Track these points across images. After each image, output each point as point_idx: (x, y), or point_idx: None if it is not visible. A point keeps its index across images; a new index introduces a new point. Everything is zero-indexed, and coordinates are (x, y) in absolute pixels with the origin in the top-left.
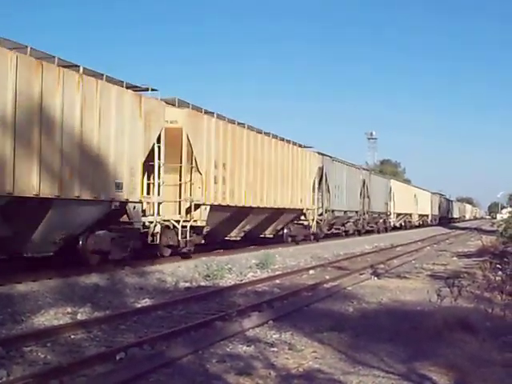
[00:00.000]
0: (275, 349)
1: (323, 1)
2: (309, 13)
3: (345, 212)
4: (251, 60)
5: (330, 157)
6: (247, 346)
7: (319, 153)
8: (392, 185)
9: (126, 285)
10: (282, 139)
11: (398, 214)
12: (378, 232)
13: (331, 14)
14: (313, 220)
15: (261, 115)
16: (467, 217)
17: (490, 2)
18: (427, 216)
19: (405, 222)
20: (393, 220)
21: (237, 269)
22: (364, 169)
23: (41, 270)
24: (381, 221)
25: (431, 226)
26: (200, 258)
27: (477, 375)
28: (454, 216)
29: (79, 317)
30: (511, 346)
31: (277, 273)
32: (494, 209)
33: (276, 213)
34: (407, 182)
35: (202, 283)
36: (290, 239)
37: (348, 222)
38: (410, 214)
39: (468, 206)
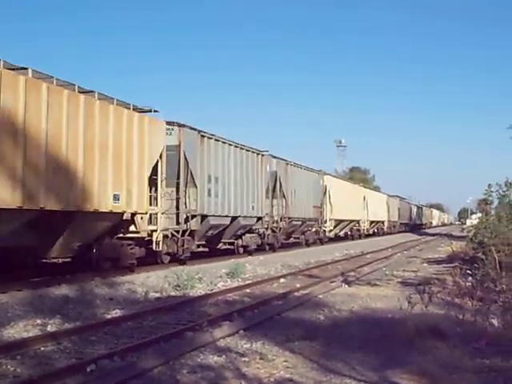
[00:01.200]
0: (246, 359)
1: (285, 5)
2: (277, 19)
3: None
4: (217, 67)
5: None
6: (218, 356)
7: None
8: (327, 183)
9: (96, 296)
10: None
11: (339, 221)
12: (321, 243)
13: (301, 19)
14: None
15: (223, 123)
16: (434, 223)
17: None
18: (383, 223)
19: (351, 230)
20: (328, 228)
21: (207, 278)
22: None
23: (9, 281)
24: (313, 230)
25: (389, 234)
26: (170, 267)
27: (448, 382)
28: (419, 222)
29: (49, 328)
30: (482, 352)
31: (247, 282)
32: (463, 214)
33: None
34: (376, 188)
35: (172, 293)
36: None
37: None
38: (358, 221)
39: (435, 212)
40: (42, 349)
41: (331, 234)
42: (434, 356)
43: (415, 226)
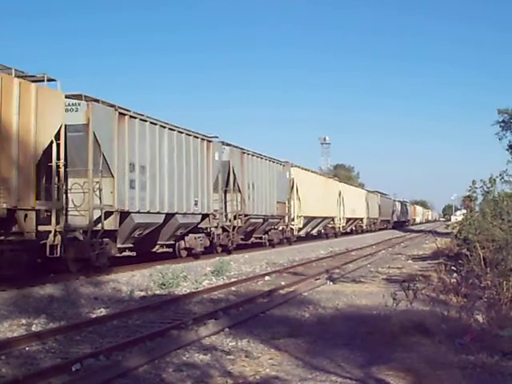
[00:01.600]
0: (232, 356)
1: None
2: (260, 16)
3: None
4: (199, 67)
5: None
6: (203, 354)
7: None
8: (295, 176)
9: (81, 295)
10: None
11: (310, 219)
12: (289, 243)
13: (284, 15)
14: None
15: (211, 122)
16: (418, 220)
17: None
18: (361, 220)
19: (325, 228)
20: (297, 226)
21: (192, 277)
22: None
23: None
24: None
25: (369, 232)
26: (155, 266)
27: (433, 378)
28: (402, 219)
29: (34, 328)
30: (467, 348)
31: (232, 280)
32: (447, 211)
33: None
34: (361, 186)
35: (158, 292)
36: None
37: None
38: (333, 218)
39: (419, 208)
40: (27, 349)
41: (301, 233)
42: (419, 352)
43: (398, 224)
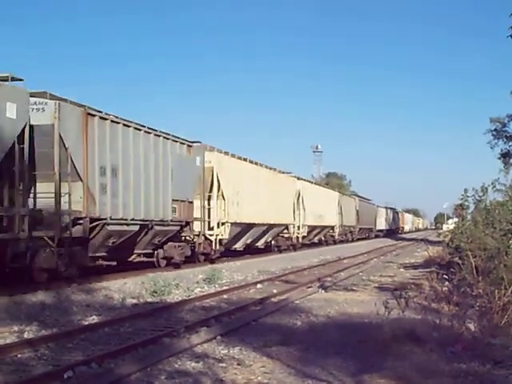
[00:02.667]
0: (224, 364)
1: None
2: (254, 22)
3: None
4: (192, 73)
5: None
6: (196, 362)
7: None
8: (214, 165)
9: (73, 302)
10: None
11: (247, 226)
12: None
13: (277, 23)
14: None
15: (204, 130)
16: (407, 228)
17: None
18: (332, 228)
19: (276, 239)
20: (217, 237)
21: (184, 284)
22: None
23: None
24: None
25: (343, 243)
26: (147, 274)
27: None
28: (382, 227)
29: (26, 335)
30: (459, 357)
31: (224, 288)
32: (439, 219)
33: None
34: (353, 194)
35: (149, 299)
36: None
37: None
38: (287, 226)
39: (408, 216)
40: (19, 356)
41: (238, 246)
42: (410, 361)
43: (383, 232)
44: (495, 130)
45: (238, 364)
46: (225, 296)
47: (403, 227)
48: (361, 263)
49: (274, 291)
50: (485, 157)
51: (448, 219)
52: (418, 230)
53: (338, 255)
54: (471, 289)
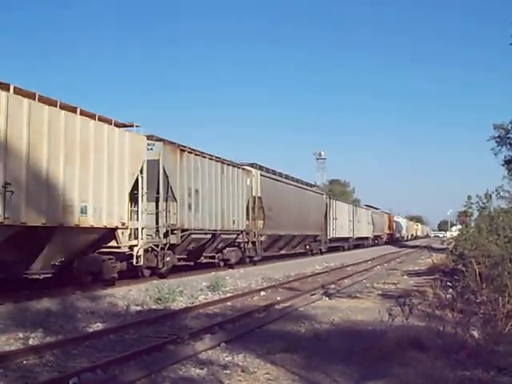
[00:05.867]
0: (228, 371)
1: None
2: (255, 32)
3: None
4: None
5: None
6: (200, 368)
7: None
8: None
9: (78, 309)
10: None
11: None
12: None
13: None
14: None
15: (207, 137)
16: (405, 235)
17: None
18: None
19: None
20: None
21: (188, 292)
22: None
23: None
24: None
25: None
26: (151, 281)
27: None
28: (364, 235)
29: (31, 342)
30: (463, 364)
31: (228, 295)
32: (443, 226)
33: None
34: (356, 201)
35: (154, 306)
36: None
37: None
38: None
39: (401, 221)
40: (25, 362)
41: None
42: (414, 368)
43: (364, 241)
44: (499, 136)
45: (242, 371)
46: (229, 303)
47: (390, 234)
48: (364, 270)
49: (278, 298)
50: (488, 164)
51: (452, 226)
52: (415, 237)
53: (342, 262)
54: (475, 296)
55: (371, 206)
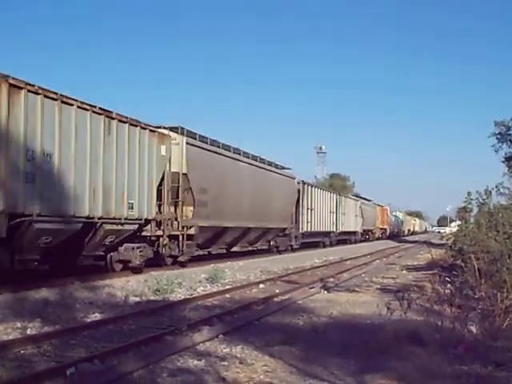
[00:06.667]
0: (226, 363)
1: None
2: (258, 29)
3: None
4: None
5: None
6: (198, 360)
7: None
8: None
9: (76, 299)
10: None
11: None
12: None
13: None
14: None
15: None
16: (401, 230)
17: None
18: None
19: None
20: None
21: (187, 283)
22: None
23: None
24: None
25: None
26: (150, 272)
27: None
28: (351, 229)
29: (29, 332)
30: (460, 359)
31: (227, 287)
32: (442, 222)
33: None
34: (356, 195)
35: (152, 298)
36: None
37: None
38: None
39: (399, 215)
40: (22, 352)
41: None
42: (412, 362)
43: (350, 236)
44: (499, 133)
45: (240, 363)
46: (227, 295)
47: (384, 229)
48: (363, 264)
49: (277, 291)
50: (488, 161)
51: (451, 222)
52: (412, 232)
53: (341, 256)
54: (473, 291)
55: (361, 197)
